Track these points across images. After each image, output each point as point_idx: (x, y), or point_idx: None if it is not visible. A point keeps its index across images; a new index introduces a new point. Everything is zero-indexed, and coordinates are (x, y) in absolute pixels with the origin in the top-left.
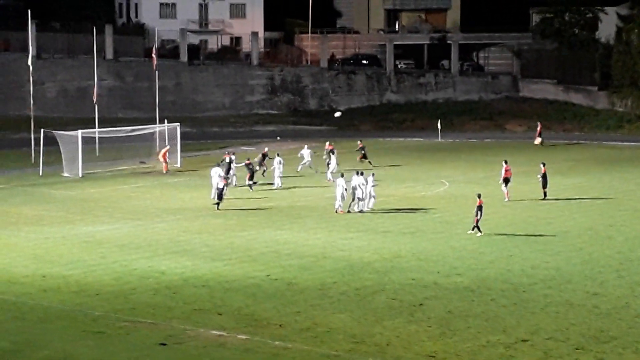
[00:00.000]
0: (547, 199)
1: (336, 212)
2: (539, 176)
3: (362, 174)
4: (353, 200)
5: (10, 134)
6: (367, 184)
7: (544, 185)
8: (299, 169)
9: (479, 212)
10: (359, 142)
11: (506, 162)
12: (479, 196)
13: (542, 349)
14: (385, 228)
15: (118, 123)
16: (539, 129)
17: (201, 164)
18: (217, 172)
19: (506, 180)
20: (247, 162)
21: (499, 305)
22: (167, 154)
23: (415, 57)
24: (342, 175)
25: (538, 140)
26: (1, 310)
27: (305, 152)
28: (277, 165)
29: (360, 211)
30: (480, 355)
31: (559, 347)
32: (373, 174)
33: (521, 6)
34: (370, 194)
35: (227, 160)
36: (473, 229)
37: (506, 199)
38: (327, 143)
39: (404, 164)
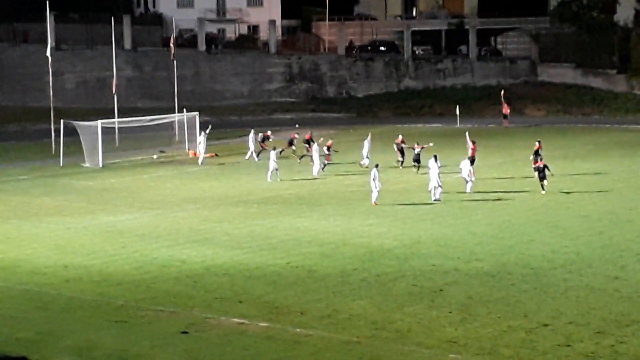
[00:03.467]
0: (552, 179)
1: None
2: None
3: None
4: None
5: (31, 125)
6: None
7: (536, 161)
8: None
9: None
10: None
11: (474, 142)
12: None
13: (563, 333)
14: (404, 214)
15: (137, 113)
16: (506, 111)
17: (221, 153)
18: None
19: (472, 160)
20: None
21: (520, 290)
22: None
23: (433, 43)
24: (377, 166)
25: (505, 123)
26: (24, 301)
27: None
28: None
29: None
30: (502, 340)
31: (580, 332)
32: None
33: None
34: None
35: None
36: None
37: (472, 178)
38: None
39: (423, 150)
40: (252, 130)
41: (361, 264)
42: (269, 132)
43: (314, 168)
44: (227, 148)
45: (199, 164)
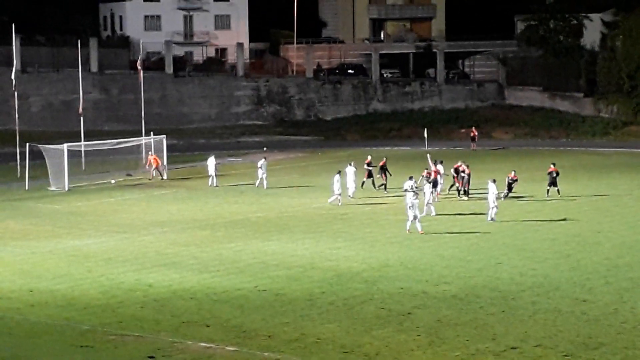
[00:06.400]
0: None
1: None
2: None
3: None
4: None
5: None
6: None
7: (552, 184)
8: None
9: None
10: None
11: (435, 163)
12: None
13: (531, 356)
14: (373, 237)
15: (104, 136)
16: (474, 134)
17: (188, 176)
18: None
19: (434, 183)
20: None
21: (488, 313)
22: (153, 162)
23: (400, 66)
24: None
25: (473, 146)
26: None
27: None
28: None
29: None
30: None
31: (548, 354)
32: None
33: (506, 14)
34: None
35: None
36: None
37: (435, 200)
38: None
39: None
40: (264, 158)
41: (329, 287)
42: (369, 158)
43: (350, 190)
44: (194, 172)
45: (261, 187)
